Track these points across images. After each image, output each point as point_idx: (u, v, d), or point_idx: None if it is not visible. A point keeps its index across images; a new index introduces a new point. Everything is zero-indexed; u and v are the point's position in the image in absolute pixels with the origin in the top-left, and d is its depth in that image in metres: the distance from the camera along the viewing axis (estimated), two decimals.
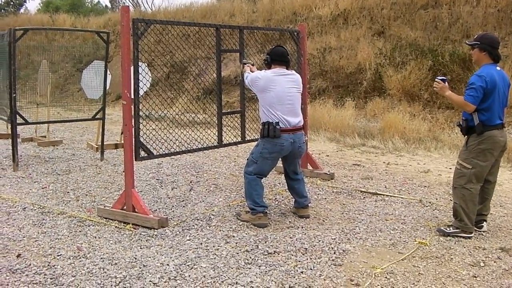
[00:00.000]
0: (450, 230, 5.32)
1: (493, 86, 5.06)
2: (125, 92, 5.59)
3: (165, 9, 24.77)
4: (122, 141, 10.67)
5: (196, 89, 16.05)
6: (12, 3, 37.66)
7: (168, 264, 4.51)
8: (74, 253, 4.80)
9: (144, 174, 8.08)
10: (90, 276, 4.27)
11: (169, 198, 6.77)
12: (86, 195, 6.92)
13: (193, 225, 5.63)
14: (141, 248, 4.95)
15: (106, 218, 5.81)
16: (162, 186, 7.40)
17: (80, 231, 5.43)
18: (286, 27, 16.35)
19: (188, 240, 5.16)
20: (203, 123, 10.24)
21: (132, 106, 5.63)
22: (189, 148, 6.69)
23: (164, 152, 6.32)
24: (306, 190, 6.06)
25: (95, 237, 5.24)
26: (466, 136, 5.33)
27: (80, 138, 12.07)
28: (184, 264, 4.52)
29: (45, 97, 11.44)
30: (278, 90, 5.57)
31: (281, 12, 18.61)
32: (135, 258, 4.66)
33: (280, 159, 5.82)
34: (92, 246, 4.99)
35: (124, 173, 7.68)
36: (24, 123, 8.62)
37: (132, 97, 5.63)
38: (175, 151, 6.47)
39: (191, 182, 7.67)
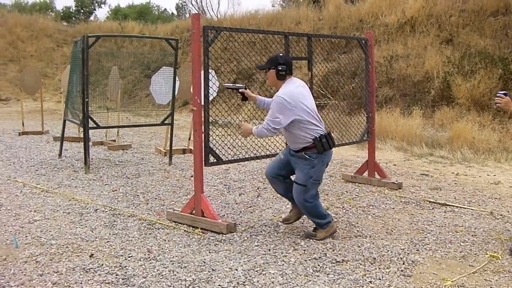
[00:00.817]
0: None
1: None
2: (195, 98, 5.71)
3: (231, 16, 25.04)
4: (190, 147, 10.91)
5: (262, 95, 16.10)
6: (82, 11, 38.90)
7: (236, 269, 4.56)
8: (145, 255, 4.93)
9: (212, 180, 8.20)
10: (160, 278, 4.37)
11: (236, 203, 6.85)
12: (155, 198, 7.08)
13: (261, 231, 5.67)
14: (209, 252, 5.02)
15: (175, 222, 5.93)
16: (229, 191, 7.49)
17: (150, 234, 5.56)
18: (352, 35, 16.23)
19: (256, 245, 5.20)
20: None
21: (202, 112, 5.74)
22: (256, 155, 6.74)
23: (232, 158, 6.40)
24: None
25: (165, 240, 5.36)
26: None
27: (148, 143, 12.36)
28: (253, 269, 4.57)
29: (115, 102, 11.80)
30: (310, 100, 5.25)
31: (347, 19, 18.50)
32: (204, 262, 4.74)
33: (278, 160, 5.54)
34: (162, 248, 5.10)
35: (192, 178, 7.83)
36: (96, 127, 8.91)
37: (202, 103, 5.74)
38: (244, 157, 6.54)
39: (258, 188, 7.72)
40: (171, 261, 4.76)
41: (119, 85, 11.75)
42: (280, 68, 5.19)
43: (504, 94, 5.01)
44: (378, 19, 17.55)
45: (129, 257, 4.87)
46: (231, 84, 5.72)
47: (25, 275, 4.45)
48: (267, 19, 21.73)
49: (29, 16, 29.38)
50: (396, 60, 15.53)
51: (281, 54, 5.37)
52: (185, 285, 4.23)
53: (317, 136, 5.11)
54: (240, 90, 5.59)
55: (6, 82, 24.33)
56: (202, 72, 5.74)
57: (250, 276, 4.41)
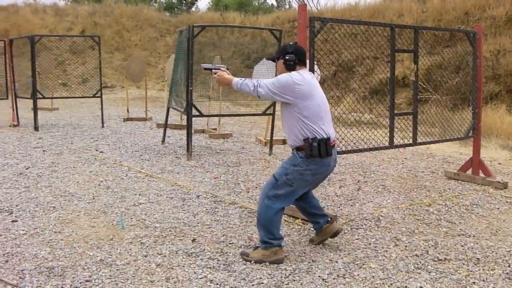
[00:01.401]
0: None
1: None
2: None
3: (332, 8, 24.87)
4: None
5: (363, 88, 15.93)
6: (184, 1, 39.84)
7: (336, 261, 4.54)
8: (245, 242, 5.00)
9: None
10: (261, 266, 4.42)
11: (337, 196, 6.81)
12: (256, 187, 7.17)
13: (362, 225, 5.61)
14: (310, 243, 5.03)
15: (289, 215, 5.94)
16: (329, 183, 7.46)
17: (250, 222, 5.64)
18: (457, 28, 15.65)
19: (356, 239, 5.16)
20: (369, 123, 10.15)
21: None
22: (355, 148, 6.64)
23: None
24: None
25: None
26: None
27: (248, 132, 12.52)
28: (353, 262, 4.53)
29: (216, 92, 12.02)
30: (320, 96, 4.59)
31: (452, 12, 17.85)
32: (304, 253, 4.75)
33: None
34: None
35: None
36: (199, 115, 9.12)
37: None
38: (345, 149, 6.47)
39: (358, 181, 7.65)
40: None
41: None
42: (288, 58, 4.57)
43: None
44: (485, 12, 16.81)
45: (230, 243, 4.97)
46: (210, 65, 5.11)
47: (130, 255, 4.64)
48: (369, 11, 21.38)
49: (134, 7, 30.47)
50: (503, 55, 14.83)
51: (291, 43, 4.76)
52: (285, 275, 4.26)
53: (311, 137, 4.44)
54: (221, 70, 4.90)
55: (112, 70, 25.40)
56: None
57: (350, 269, 4.38)
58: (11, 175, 7.69)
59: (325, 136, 4.45)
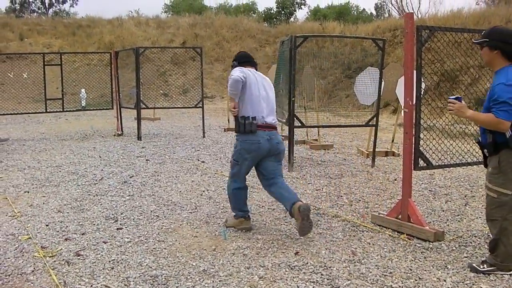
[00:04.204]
0: (483, 268, 4.54)
1: None
2: (407, 100, 5.56)
3: (434, 15, 24.18)
4: (393, 149, 10.71)
5: (468, 99, 15.31)
6: (283, 12, 40.12)
7: (445, 280, 4.35)
8: (349, 257, 4.90)
9: (416, 184, 7.94)
10: (365, 281, 4.30)
11: (443, 211, 6.56)
12: (359, 200, 7.03)
13: (470, 242, 5.36)
14: (415, 260, 4.85)
15: (380, 226, 5.82)
16: (435, 197, 7.20)
17: (354, 236, 5.52)
18: None
19: (465, 257, 4.92)
20: (474, 135, 9.75)
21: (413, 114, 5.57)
22: (463, 161, 6.34)
23: (439, 163, 6.10)
24: (289, 190, 5.65)
25: (369, 244, 5.28)
26: (490, 154, 4.50)
27: (349, 144, 12.37)
28: (462, 282, 4.32)
29: (313, 102, 11.96)
30: (259, 88, 5.62)
31: None
32: (410, 270, 4.58)
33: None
34: (366, 252, 5.03)
35: (396, 181, 7.66)
36: (301, 126, 9.10)
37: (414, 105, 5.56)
38: (454, 163, 6.20)
39: (466, 196, 7.33)
40: (376, 265, 4.67)
41: (314, 85, 11.89)
42: (232, 64, 5.86)
43: (456, 98, 4.54)
44: None
45: (333, 257, 4.88)
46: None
47: (233, 266, 4.65)
48: (473, 18, 20.62)
49: (234, 18, 31.06)
50: None
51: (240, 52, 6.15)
52: None
53: (242, 115, 5.52)
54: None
55: (212, 80, 25.95)
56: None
57: None
58: (116, 183, 7.98)
59: (252, 115, 5.49)
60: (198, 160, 10.03)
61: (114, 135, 13.64)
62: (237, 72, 5.51)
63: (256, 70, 5.88)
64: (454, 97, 4.60)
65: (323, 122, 11.82)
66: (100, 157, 10.39)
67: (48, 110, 13.92)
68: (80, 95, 19.48)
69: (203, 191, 7.51)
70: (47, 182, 8.19)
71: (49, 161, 9.91)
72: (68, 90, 16.05)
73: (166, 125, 16.26)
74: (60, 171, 8.97)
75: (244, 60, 5.89)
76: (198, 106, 13.61)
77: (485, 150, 4.60)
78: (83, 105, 19.00)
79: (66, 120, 17.98)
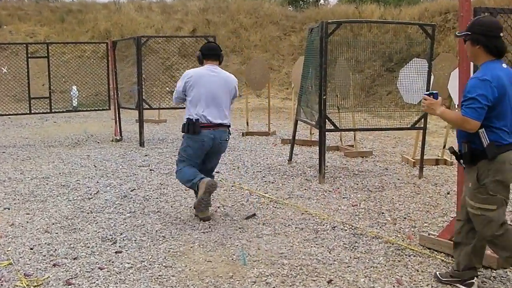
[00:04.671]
0: None
1: (502, 93, 4.41)
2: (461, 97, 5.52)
3: None
4: (445, 157, 10.64)
5: None
6: None
7: None
8: (393, 286, 4.88)
9: None
10: None
11: None
12: (404, 218, 7.01)
13: None
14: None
15: (430, 249, 5.79)
16: None
17: (399, 261, 5.51)
18: None
19: None
20: None
21: None
22: None
23: None
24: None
25: (418, 271, 5.26)
26: (468, 166, 4.64)
27: (392, 150, 12.32)
28: None
29: (346, 100, 11.92)
30: (206, 87, 6.95)
31: None
32: None
33: None
34: (414, 281, 5.02)
35: (449, 195, 7.62)
36: (333, 130, 9.10)
37: None
38: None
39: None
40: None
41: (349, 80, 11.84)
42: (197, 54, 7.25)
43: (430, 94, 4.78)
44: None
45: (374, 286, 4.86)
46: None
47: None
48: None
49: (253, 1, 31.00)
50: None
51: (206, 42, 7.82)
52: None
53: (188, 117, 6.95)
54: None
55: None
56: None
57: None
58: (114, 198, 8.04)
59: (196, 118, 6.87)
60: None
61: (112, 141, 13.72)
62: (179, 83, 7.09)
63: (220, 63, 7.23)
64: (428, 92, 4.90)
65: (360, 125, 11.79)
66: (95, 166, 10.46)
67: (32, 111, 14.05)
68: (71, 93, 19.56)
69: (218, 207, 7.53)
70: (32, 196, 8.26)
71: (34, 172, 10.00)
72: (56, 87, 16.22)
73: (173, 128, 16.31)
74: (47, 184, 9.05)
75: (208, 52, 7.18)
76: None
77: (461, 161, 4.76)
78: (74, 105, 19.11)
79: (54, 122, 18.13)
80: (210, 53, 7.16)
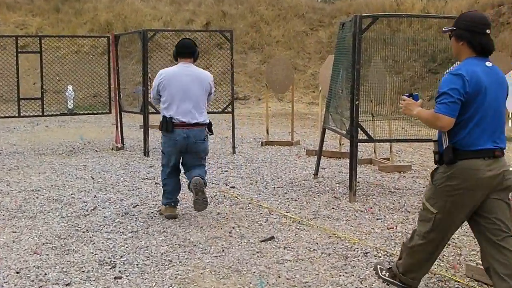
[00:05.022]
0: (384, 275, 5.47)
1: (476, 89, 4.60)
2: None
3: None
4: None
5: None
6: None
7: None
8: None
9: None
10: None
11: None
12: (448, 245, 6.92)
13: None
14: None
15: (478, 281, 5.74)
16: None
17: None
18: None
19: None
20: None
21: None
22: None
23: None
24: (202, 173, 7.93)
25: None
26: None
27: (434, 165, 12.20)
28: None
29: (383, 107, 11.87)
30: (177, 86, 7.79)
31: None
32: None
33: None
34: None
35: None
36: (367, 140, 9.07)
37: None
38: None
39: None
40: None
41: (385, 83, 11.78)
42: (173, 52, 8.12)
43: (410, 96, 5.05)
44: None
45: None
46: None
47: None
48: None
49: None
50: None
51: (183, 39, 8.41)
52: None
53: (163, 115, 7.85)
54: None
55: (245, 76, 26.04)
56: None
57: None
58: (114, 216, 8.06)
59: (169, 116, 7.73)
60: (226, 184, 10.11)
61: (112, 149, 13.79)
62: (154, 82, 8.05)
63: (195, 60, 8.05)
64: (407, 94, 5.13)
65: (397, 135, 11.73)
66: (93, 178, 10.51)
67: (21, 114, 14.11)
68: (66, 93, 19.53)
69: (233, 228, 7.53)
70: (20, 212, 8.29)
71: (22, 184, 10.06)
72: (49, 87, 16.30)
73: None
74: (37, 198, 9.10)
75: (180, 50, 7.99)
76: (226, 111, 13.68)
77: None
78: (70, 107, 19.17)
79: (46, 127, 18.27)
80: (183, 51, 7.96)
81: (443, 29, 5.08)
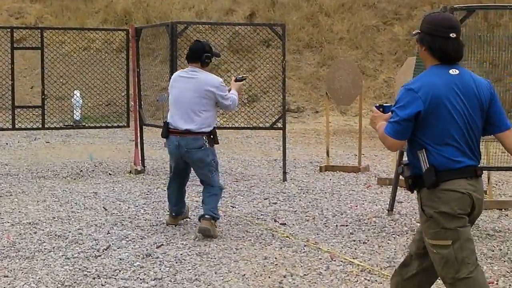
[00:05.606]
0: None
1: (435, 103, 4.79)
2: None
3: None
4: None
5: None
6: None
7: None
8: None
9: None
10: None
11: None
12: None
13: None
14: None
15: None
16: None
17: None
18: None
19: None
20: None
21: None
22: None
23: None
24: (210, 203, 9.16)
25: None
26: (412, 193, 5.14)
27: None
28: None
29: None
30: (174, 92, 9.27)
31: None
32: None
33: None
34: None
35: None
36: None
37: None
38: None
39: None
40: None
41: None
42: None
43: (379, 107, 5.32)
44: None
45: None
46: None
47: None
48: None
49: None
50: None
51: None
52: None
53: (165, 121, 9.38)
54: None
55: (299, 82, 26.10)
56: None
57: None
58: (132, 257, 8.06)
59: (168, 121, 9.17)
60: (275, 220, 10.07)
61: (130, 173, 13.85)
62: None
63: (203, 64, 9.15)
64: (377, 105, 5.41)
65: (496, 161, 11.64)
66: (106, 210, 10.56)
67: (16, 126, 14.18)
68: (72, 101, 19.73)
69: (284, 277, 7.47)
70: (13, 251, 8.34)
71: (16, 214, 10.14)
72: (52, 92, 16.43)
73: (221, 155, 16.35)
74: (35, 233, 9.15)
75: (187, 54, 9.31)
76: (275, 126, 13.66)
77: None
78: (76, 118, 19.36)
79: (46, 143, 18.45)
80: (189, 55, 9.27)
81: (411, 33, 5.29)
